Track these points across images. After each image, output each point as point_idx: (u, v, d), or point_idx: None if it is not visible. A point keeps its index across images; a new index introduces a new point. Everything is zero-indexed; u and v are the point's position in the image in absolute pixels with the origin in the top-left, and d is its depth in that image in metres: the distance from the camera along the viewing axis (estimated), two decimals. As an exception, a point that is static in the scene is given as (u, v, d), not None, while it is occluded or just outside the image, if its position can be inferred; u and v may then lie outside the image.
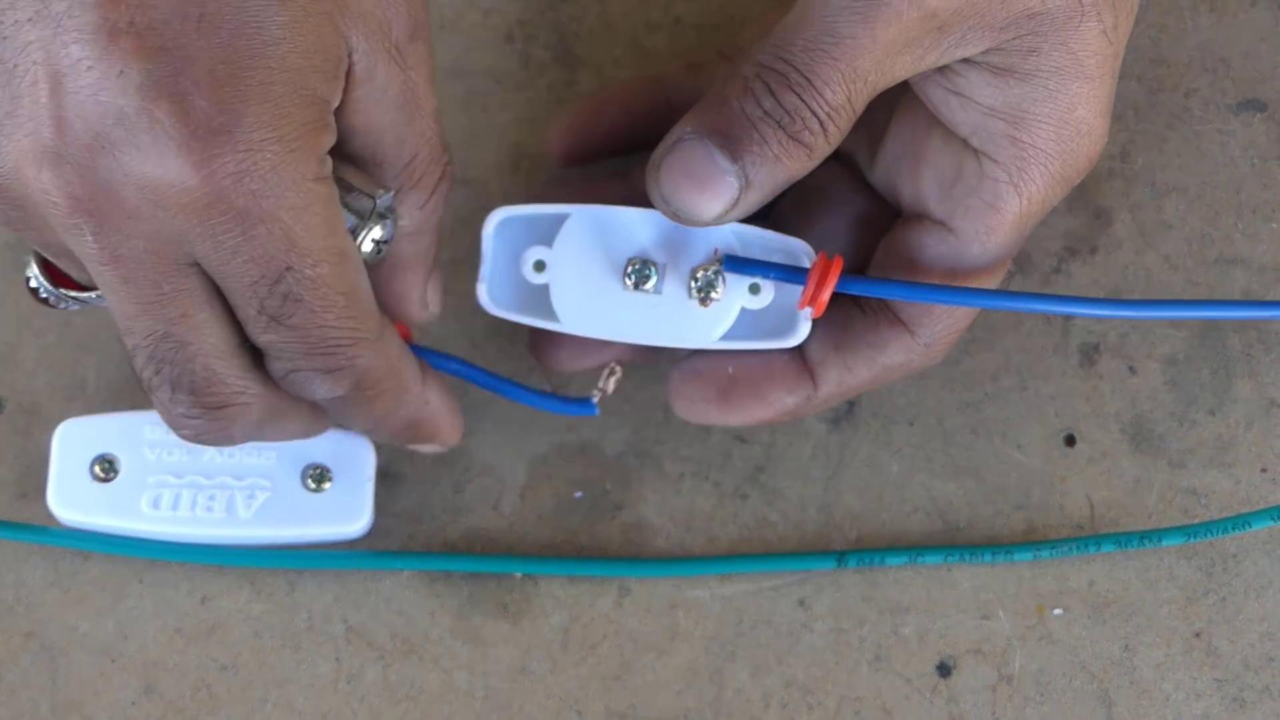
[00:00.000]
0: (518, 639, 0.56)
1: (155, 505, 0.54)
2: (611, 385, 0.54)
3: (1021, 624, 0.57)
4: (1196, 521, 0.58)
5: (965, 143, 0.50)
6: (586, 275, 0.51)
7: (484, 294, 0.52)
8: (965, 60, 0.48)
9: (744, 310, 0.52)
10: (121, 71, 0.41)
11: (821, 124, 0.47)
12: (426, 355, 0.53)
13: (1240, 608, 0.58)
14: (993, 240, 0.50)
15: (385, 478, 0.57)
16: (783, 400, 0.53)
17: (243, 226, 0.42)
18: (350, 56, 0.44)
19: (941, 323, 0.52)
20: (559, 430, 0.58)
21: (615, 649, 0.57)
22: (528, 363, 0.57)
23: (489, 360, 0.58)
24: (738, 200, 0.48)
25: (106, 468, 0.54)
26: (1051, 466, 0.59)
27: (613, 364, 0.54)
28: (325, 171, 0.44)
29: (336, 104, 0.44)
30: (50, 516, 0.55)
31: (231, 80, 0.41)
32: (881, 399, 0.59)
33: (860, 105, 0.47)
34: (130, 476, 0.54)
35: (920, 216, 0.52)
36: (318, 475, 0.55)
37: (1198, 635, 0.57)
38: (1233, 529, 0.57)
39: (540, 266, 0.51)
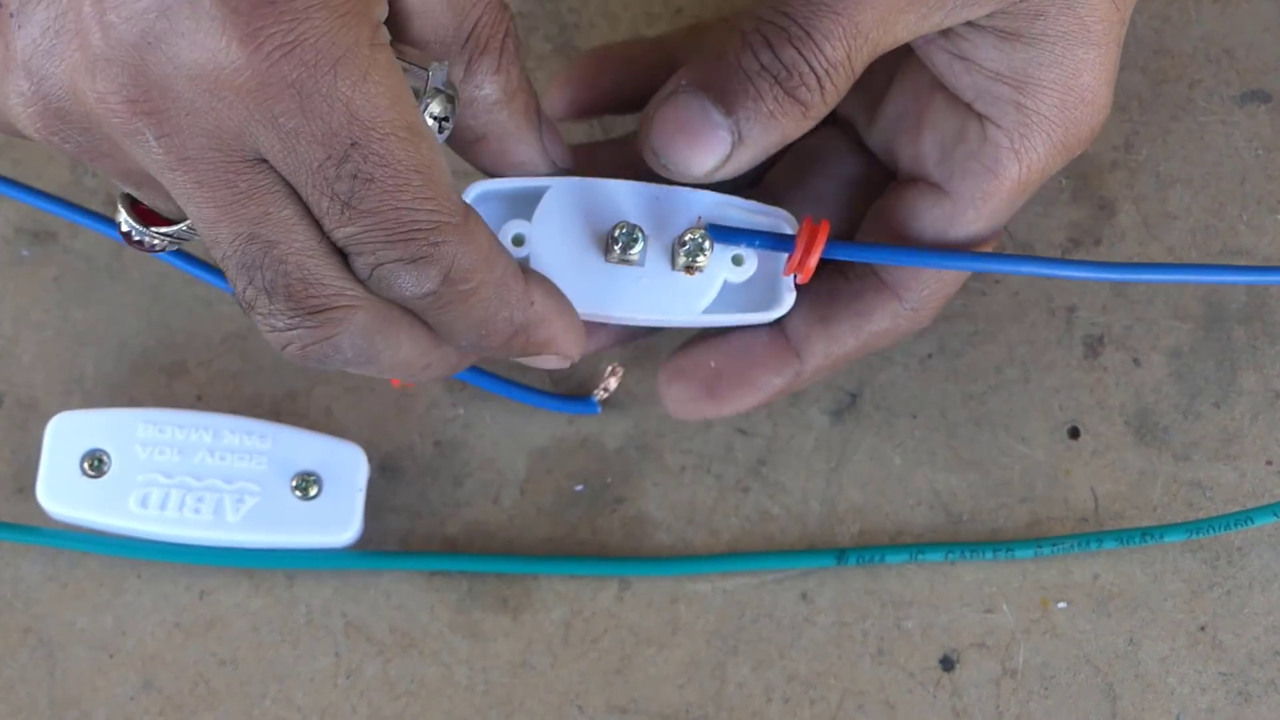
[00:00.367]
0: (518, 633, 0.56)
1: (144, 504, 0.54)
2: (613, 384, 0.54)
3: (1025, 617, 0.57)
4: (1201, 515, 0.58)
5: (969, 107, 0.50)
6: (567, 248, 0.50)
7: None
8: (970, 23, 0.48)
9: (727, 283, 0.51)
10: None
11: (819, 80, 0.47)
12: None
13: (1245, 601, 0.57)
14: (988, 206, 0.50)
15: (385, 471, 0.57)
16: (770, 382, 0.53)
17: (300, 102, 0.41)
18: None
19: (929, 287, 0.52)
20: (559, 424, 0.58)
21: (616, 643, 0.56)
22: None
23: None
24: (729, 156, 0.48)
25: (97, 463, 0.54)
26: (1055, 459, 0.58)
27: (614, 364, 0.54)
28: (381, 38, 0.42)
29: None
30: (40, 509, 0.55)
31: None
32: (884, 391, 0.58)
33: (860, 65, 0.47)
34: (120, 473, 0.54)
35: (916, 180, 0.52)
36: (307, 483, 0.54)
37: (1203, 629, 0.57)
38: (1236, 525, 0.56)
39: (520, 240, 0.50)
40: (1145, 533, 0.57)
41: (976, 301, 0.59)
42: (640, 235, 0.50)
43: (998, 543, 0.57)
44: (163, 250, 0.47)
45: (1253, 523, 0.56)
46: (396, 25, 0.45)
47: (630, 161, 0.51)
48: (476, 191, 0.51)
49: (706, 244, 0.50)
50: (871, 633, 0.57)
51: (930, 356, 0.59)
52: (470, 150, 0.49)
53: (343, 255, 0.44)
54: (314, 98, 0.41)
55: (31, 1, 0.41)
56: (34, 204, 0.54)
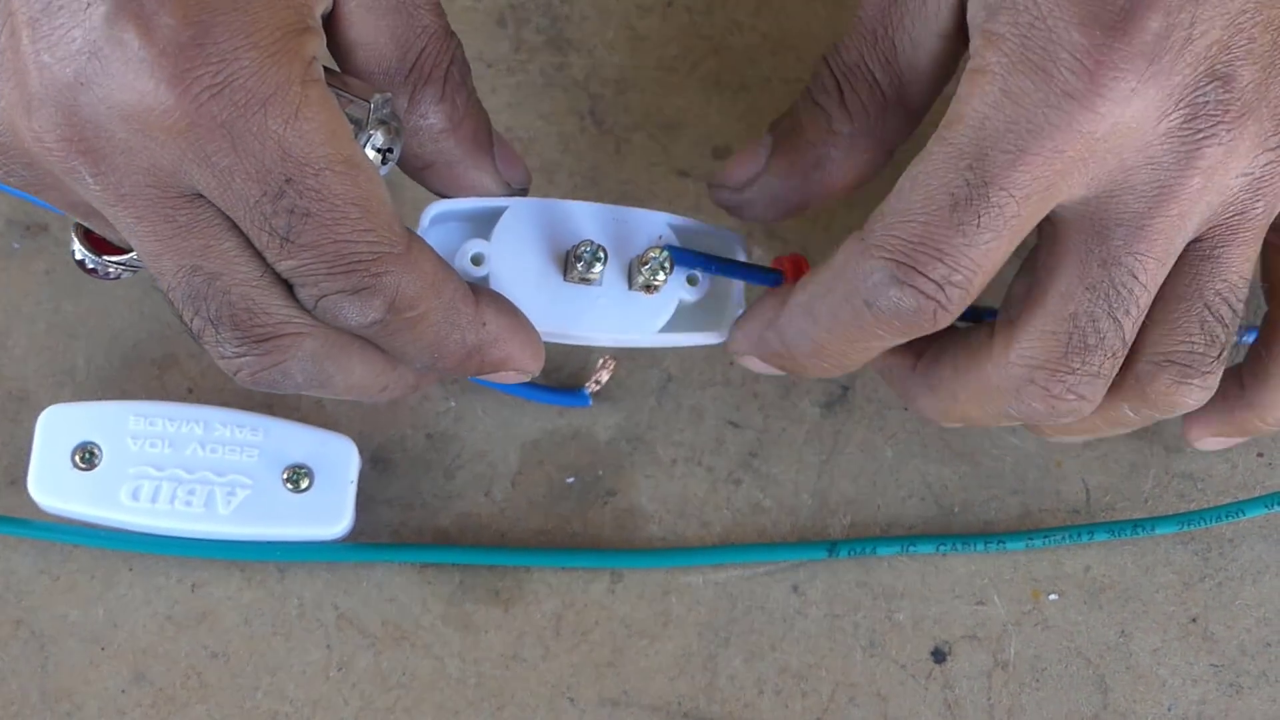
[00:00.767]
0: (510, 625, 0.56)
1: (135, 497, 0.54)
2: (605, 376, 0.54)
3: (1017, 609, 0.57)
4: (1192, 507, 0.58)
5: None
6: (526, 267, 0.51)
7: None
8: None
9: (681, 302, 0.52)
10: (88, 4, 0.41)
11: (837, 82, 0.49)
12: None
13: (1236, 593, 0.57)
14: None
15: (376, 464, 0.57)
16: None
17: (232, 142, 0.41)
18: None
19: None
20: (551, 416, 0.58)
21: (608, 635, 0.56)
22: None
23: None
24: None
25: (88, 456, 0.54)
26: (1047, 451, 0.58)
27: (606, 357, 0.54)
28: (315, 75, 0.42)
29: (324, 9, 0.44)
30: (31, 501, 0.55)
31: None
32: (876, 383, 0.58)
33: (877, 70, 0.48)
34: (111, 466, 0.54)
35: None
36: (298, 476, 0.54)
37: (1194, 620, 0.57)
38: (1226, 517, 0.56)
39: (479, 260, 0.51)
40: (1136, 524, 0.57)
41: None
42: (603, 254, 0.50)
43: (989, 534, 0.57)
44: (117, 277, 0.48)
45: (1244, 515, 0.57)
46: (340, 57, 0.46)
47: None
48: (434, 212, 0.51)
49: (667, 263, 0.50)
50: (863, 625, 0.57)
51: (922, 348, 0.59)
52: (421, 177, 0.49)
53: (288, 285, 0.44)
54: (245, 137, 0.41)
55: None
56: (25, 197, 0.54)
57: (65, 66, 0.41)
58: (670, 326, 0.52)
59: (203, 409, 0.55)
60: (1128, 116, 0.43)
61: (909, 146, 0.49)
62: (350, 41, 0.45)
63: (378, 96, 0.45)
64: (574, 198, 0.58)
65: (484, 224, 0.51)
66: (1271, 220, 0.46)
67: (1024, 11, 0.44)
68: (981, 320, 0.50)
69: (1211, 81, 0.44)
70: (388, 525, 0.57)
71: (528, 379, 0.50)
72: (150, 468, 0.54)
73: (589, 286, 0.51)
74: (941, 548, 0.57)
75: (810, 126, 0.50)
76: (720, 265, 0.51)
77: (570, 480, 0.57)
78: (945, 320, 0.46)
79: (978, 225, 0.44)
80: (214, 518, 0.54)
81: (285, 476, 0.54)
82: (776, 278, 0.51)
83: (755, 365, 0.51)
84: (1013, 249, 0.46)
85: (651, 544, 0.57)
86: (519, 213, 0.51)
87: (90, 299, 0.58)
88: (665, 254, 0.50)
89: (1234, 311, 0.47)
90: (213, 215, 0.43)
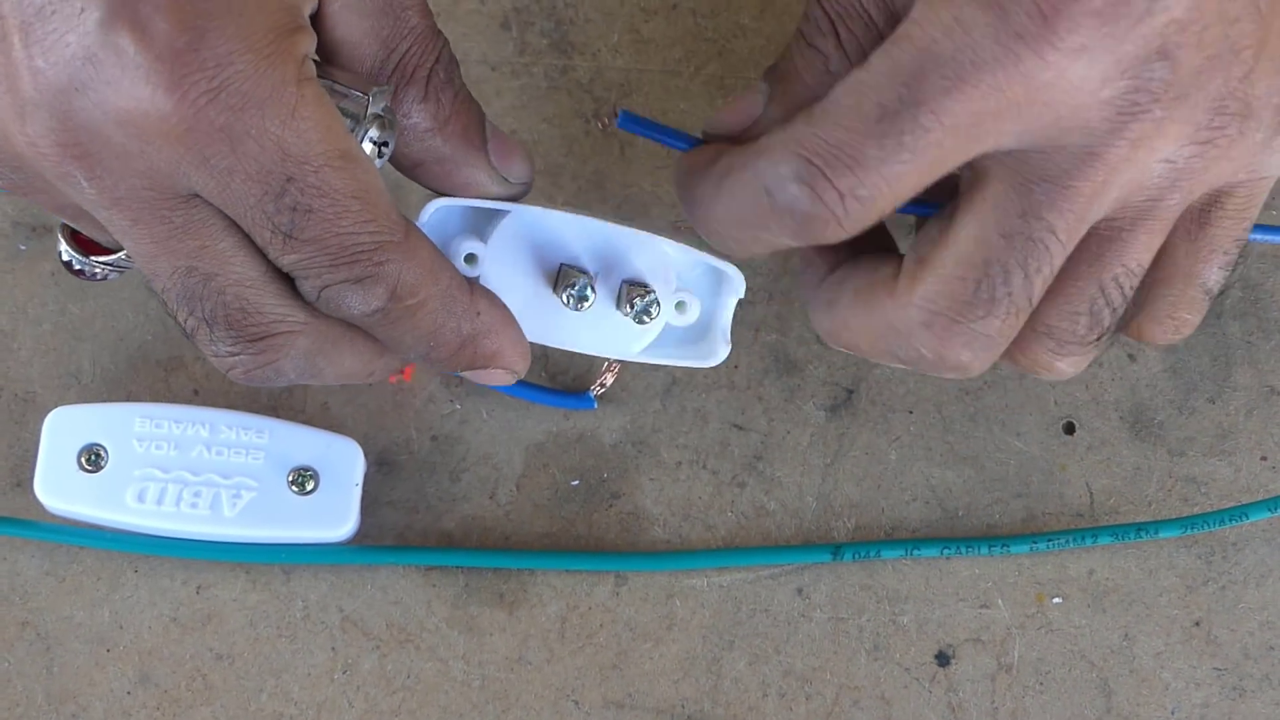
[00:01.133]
0: (514, 628, 0.56)
1: (140, 499, 0.54)
2: (610, 380, 0.55)
3: (1021, 613, 0.57)
4: (1196, 511, 0.58)
5: None
6: (518, 273, 0.51)
7: None
8: None
9: (668, 326, 0.52)
10: (82, 9, 0.41)
11: (831, 22, 0.48)
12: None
13: (1240, 596, 0.57)
14: None
15: (382, 466, 0.57)
16: None
17: (231, 144, 0.42)
18: None
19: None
20: (556, 419, 0.58)
21: (612, 638, 0.57)
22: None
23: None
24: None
25: (94, 458, 0.54)
26: (1051, 454, 0.58)
27: (611, 361, 0.54)
28: (309, 73, 0.43)
29: (311, 8, 0.44)
30: (37, 503, 0.55)
31: None
32: (880, 387, 0.58)
33: (870, 7, 0.47)
34: (117, 468, 0.54)
35: None
36: (304, 478, 0.54)
37: (1197, 624, 0.57)
38: (1230, 520, 0.56)
39: (472, 260, 0.51)
40: (1140, 528, 0.57)
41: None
42: (591, 289, 0.51)
43: (993, 538, 0.57)
44: (104, 278, 0.48)
45: (1247, 518, 0.57)
46: (323, 56, 0.46)
47: None
48: (435, 207, 0.51)
49: (655, 306, 0.51)
50: (867, 628, 0.57)
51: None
52: (414, 174, 0.49)
53: (287, 279, 0.45)
54: (244, 139, 0.42)
55: None
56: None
57: (60, 71, 0.41)
58: (654, 348, 0.52)
59: (208, 411, 0.55)
60: (1072, 73, 0.43)
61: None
62: (335, 41, 0.46)
63: (375, 90, 0.45)
64: (578, 201, 0.58)
65: (483, 224, 0.52)
66: (1180, 214, 0.46)
67: None
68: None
69: (1160, 59, 0.43)
70: (392, 528, 0.57)
71: (515, 379, 0.50)
72: (156, 470, 0.54)
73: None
74: (946, 551, 0.57)
75: (807, 69, 0.48)
76: (669, 134, 0.51)
77: (575, 483, 0.57)
78: (838, 235, 0.45)
79: (899, 143, 0.44)
80: (219, 520, 0.54)
81: (290, 479, 0.54)
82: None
83: None
84: (925, 182, 0.45)
85: (656, 547, 0.57)
86: (518, 220, 0.51)
87: (96, 301, 0.58)
88: (654, 296, 0.51)
89: (1124, 298, 0.47)
90: (208, 215, 0.44)
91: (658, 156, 0.59)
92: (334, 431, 0.55)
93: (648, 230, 0.52)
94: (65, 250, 0.48)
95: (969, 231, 0.46)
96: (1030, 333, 0.47)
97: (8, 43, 0.41)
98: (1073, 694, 0.57)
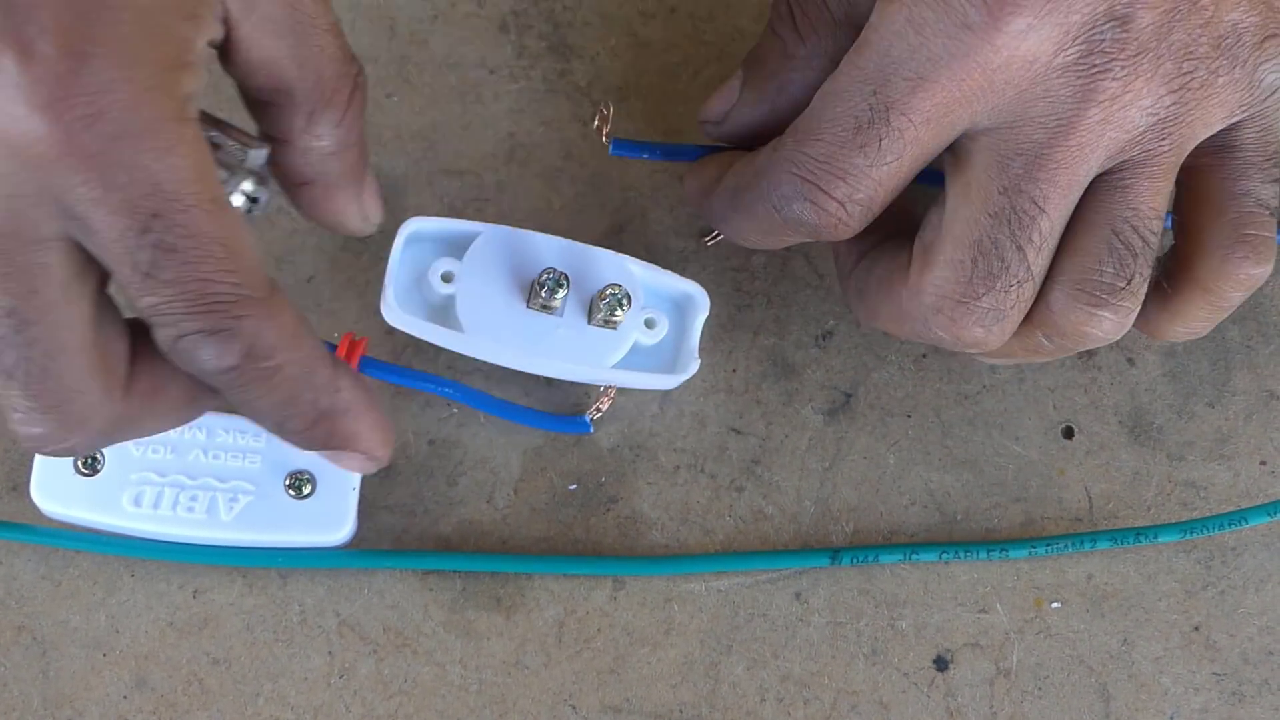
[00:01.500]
0: (511, 633, 0.56)
1: (137, 502, 0.54)
2: (605, 405, 0.55)
3: (1019, 617, 0.57)
4: (1195, 515, 0.58)
5: None
6: (492, 290, 0.54)
7: (390, 301, 0.54)
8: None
9: (637, 344, 0.55)
10: None
11: (790, 8, 0.52)
12: (416, 378, 0.54)
13: (1239, 601, 0.57)
14: None
15: (378, 471, 0.57)
16: None
17: (100, 174, 0.41)
18: None
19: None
20: (553, 423, 0.58)
21: (610, 643, 0.56)
22: (520, 384, 0.57)
23: (483, 380, 0.57)
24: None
25: (90, 461, 0.54)
26: (1049, 459, 0.58)
27: (608, 384, 0.55)
28: (189, 114, 0.42)
29: (212, 37, 0.43)
30: (33, 507, 0.55)
31: (78, 24, 0.40)
32: (879, 391, 0.58)
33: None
34: (114, 471, 0.54)
35: None
36: (301, 482, 0.54)
37: (1196, 629, 0.57)
38: (1230, 525, 0.56)
39: (448, 278, 0.54)
40: (1139, 533, 0.57)
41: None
42: (565, 282, 0.54)
43: (992, 542, 0.57)
44: None
45: (1246, 523, 0.57)
46: (242, 78, 0.46)
47: None
48: (410, 229, 0.54)
49: (625, 301, 0.54)
50: (865, 633, 0.57)
51: (924, 356, 0.59)
52: (294, 192, 0.49)
53: (114, 351, 0.44)
54: (115, 169, 0.41)
55: None
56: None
57: None
58: (624, 364, 0.55)
59: (206, 415, 0.55)
60: (1024, 50, 0.46)
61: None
62: (252, 63, 0.45)
63: (256, 147, 0.46)
64: (576, 204, 0.58)
65: (456, 246, 0.55)
66: (1181, 159, 0.49)
67: None
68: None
69: (1109, 21, 0.46)
70: (390, 532, 0.57)
71: (375, 467, 0.49)
72: (153, 473, 0.54)
73: (549, 316, 0.54)
74: (944, 555, 0.57)
75: (770, 56, 0.53)
76: (664, 150, 0.56)
77: (572, 487, 0.57)
78: (849, 232, 0.50)
79: (879, 148, 0.48)
80: (216, 524, 0.54)
81: (287, 483, 0.54)
82: (699, 152, 0.56)
83: None
84: (916, 170, 0.49)
85: (654, 551, 0.57)
86: (492, 239, 0.54)
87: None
88: (623, 290, 0.54)
89: (1144, 241, 0.49)
90: (56, 262, 0.42)
91: (654, 161, 0.59)
92: (331, 435, 0.55)
93: (619, 252, 0.55)
94: None
95: (958, 214, 0.49)
96: (1063, 296, 0.49)
97: None
98: (1071, 699, 0.57)
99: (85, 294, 0.43)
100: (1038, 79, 0.47)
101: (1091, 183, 0.48)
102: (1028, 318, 0.50)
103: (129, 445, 0.54)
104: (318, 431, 0.47)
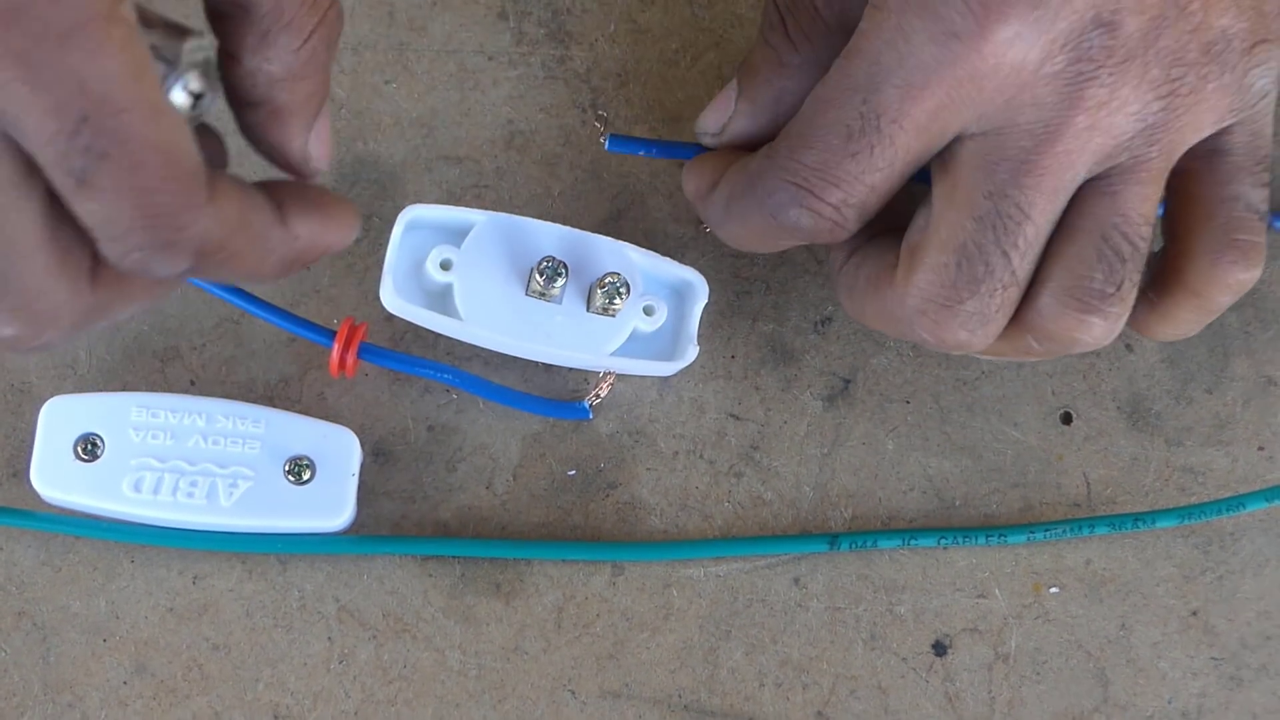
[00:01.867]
0: (511, 618, 0.56)
1: (136, 488, 0.54)
2: (605, 391, 0.55)
3: (1018, 602, 0.57)
4: (1193, 501, 0.58)
5: None
6: (491, 277, 0.54)
7: (389, 289, 0.54)
8: None
9: (636, 330, 0.55)
10: None
11: (781, 16, 0.52)
12: (415, 364, 0.54)
13: (1237, 586, 0.57)
14: None
15: (378, 456, 0.57)
16: None
17: (27, 73, 0.39)
18: None
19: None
20: (552, 408, 0.58)
21: (609, 628, 0.57)
22: (519, 370, 0.57)
23: (482, 366, 0.57)
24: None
25: (90, 448, 0.54)
26: (1048, 444, 0.58)
27: (607, 370, 0.55)
28: (121, 13, 0.40)
29: None
30: (33, 492, 0.55)
31: None
32: (877, 377, 0.58)
33: None
34: (113, 458, 0.54)
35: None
36: (300, 468, 0.54)
37: (1194, 614, 0.57)
38: (1228, 510, 0.56)
39: (447, 265, 0.54)
40: (1137, 518, 0.57)
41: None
42: (564, 270, 0.54)
43: (990, 528, 0.57)
44: None
45: (1244, 508, 0.57)
46: None
47: None
48: (410, 216, 0.54)
49: (624, 289, 0.54)
50: (864, 618, 0.57)
51: (923, 342, 0.59)
52: (240, 112, 0.47)
53: (74, 246, 0.42)
54: (41, 69, 0.39)
55: None
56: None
57: None
58: (623, 351, 0.55)
59: (204, 400, 0.55)
60: (1011, 58, 0.46)
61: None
62: None
63: (194, 41, 0.43)
64: (575, 191, 0.58)
65: (455, 234, 0.55)
66: (1171, 164, 0.49)
67: None
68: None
69: (1097, 28, 0.46)
70: (389, 518, 0.57)
71: (349, 242, 0.47)
72: (152, 459, 0.54)
73: (548, 303, 0.54)
74: (942, 541, 0.57)
75: (764, 65, 0.53)
76: (660, 148, 0.56)
77: (571, 473, 0.57)
78: (845, 235, 0.50)
79: (871, 155, 0.48)
80: (216, 510, 0.54)
81: (287, 468, 0.54)
82: (696, 150, 0.55)
83: None
84: (908, 175, 0.49)
85: (653, 537, 0.57)
86: (491, 227, 0.55)
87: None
88: (622, 278, 0.54)
89: (1133, 247, 0.49)
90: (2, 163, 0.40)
91: (654, 146, 0.59)
92: (330, 421, 0.55)
93: (618, 239, 0.55)
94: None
95: (944, 218, 0.49)
96: (1053, 301, 0.49)
97: None
98: (1070, 684, 0.57)
99: (35, 192, 0.41)
100: (1025, 86, 0.47)
101: (1080, 188, 0.48)
102: (1017, 321, 0.50)
103: (129, 431, 0.54)
104: (290, 271, 0.45)
